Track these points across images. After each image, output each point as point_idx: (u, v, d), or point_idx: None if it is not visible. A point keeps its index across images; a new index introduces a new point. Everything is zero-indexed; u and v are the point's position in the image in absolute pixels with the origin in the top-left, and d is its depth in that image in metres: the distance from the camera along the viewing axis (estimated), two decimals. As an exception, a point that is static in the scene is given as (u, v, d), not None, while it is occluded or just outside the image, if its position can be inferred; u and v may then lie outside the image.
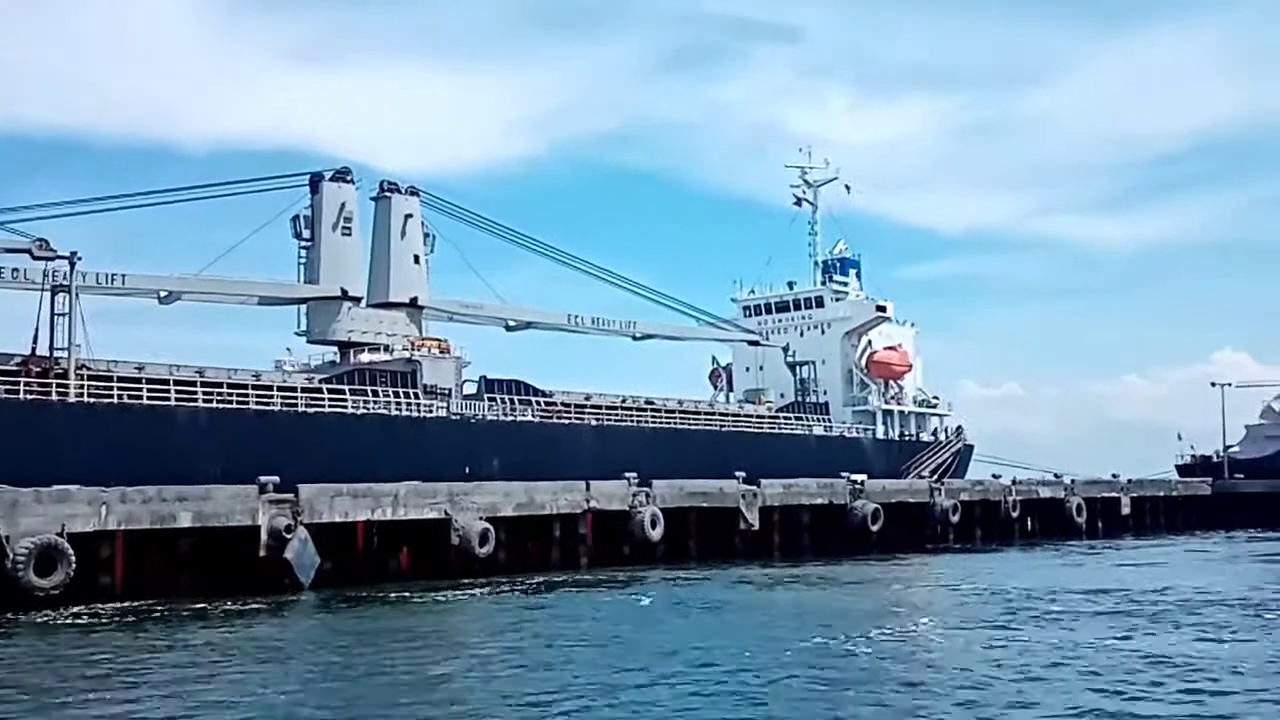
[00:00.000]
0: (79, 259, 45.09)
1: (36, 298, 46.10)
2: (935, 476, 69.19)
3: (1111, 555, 51.39)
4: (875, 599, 33.34)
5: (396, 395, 53.99)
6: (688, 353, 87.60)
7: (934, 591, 34.51)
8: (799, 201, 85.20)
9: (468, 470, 48.32)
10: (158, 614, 30.00)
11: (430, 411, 54.96)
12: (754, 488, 48.68)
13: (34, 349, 44.24)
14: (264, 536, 34.26)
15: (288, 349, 59.38)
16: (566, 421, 60.65)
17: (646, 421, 64.72)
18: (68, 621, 28.68)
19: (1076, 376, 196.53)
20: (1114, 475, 70.57)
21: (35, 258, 44.55)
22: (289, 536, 34.44)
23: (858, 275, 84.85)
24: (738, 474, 49.32)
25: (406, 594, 34.18)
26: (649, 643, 24.38)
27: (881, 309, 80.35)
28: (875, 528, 51.66)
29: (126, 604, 31.22)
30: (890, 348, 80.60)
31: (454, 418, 55.95)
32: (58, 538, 30.06)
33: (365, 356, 57.81)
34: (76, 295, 44.85)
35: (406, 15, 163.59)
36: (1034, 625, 26.60)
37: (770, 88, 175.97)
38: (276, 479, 35.31)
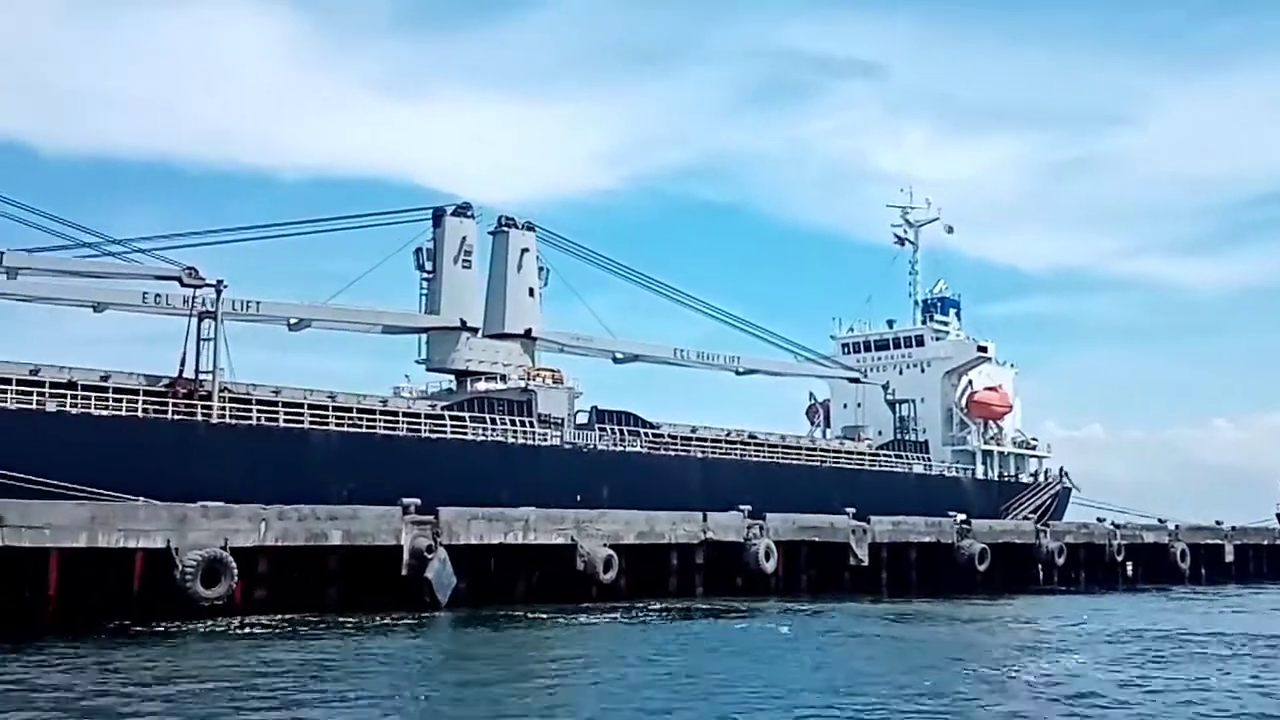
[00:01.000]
0: (225, 286, 47.49)
1: (180, 321, 49.00)
2: (1035, 518, 69.36)
3: (1221, 601, 51.25)
4: (1013, 636, 34.07)
5: (512, 423, 55.71)
6: (784, 388, 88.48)
7: (1065, 631, 35.02)
8: (900, 241, 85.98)
9: (579, 498, 49.83)
10: (308, 626, 31.70)
11: (545, 440, 56.60)
12: (864, 524, 49.44)
13: (181, 371, 46.59)
14: (406, 556, 35.87)
15: (406, 376, 61.58)
16: (673, 453, 61.95)
17: (750, 455, 65.76)
18: (231, 631, 30.45)
19: (1161, 420, 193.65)
20: (1217, 522, 70.04)
21: (184, 285, 46.99)
22: (430, 556, 36.01)
23: (957, 315, 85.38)
24: (847, 510, 50.12)
25: (541, 615, 35.53)
26: (826, 667, 25.46)
27: (983, 349, 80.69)
28: (982, 567, 52.07)
29: (279, 615, 32.97)
30: (991, 388, 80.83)
31: (567, 446, 57.55)
32: (222, 551, 31.88)
33: (482, 385, 59.71)
34: (221, 321, 47.17)
35: (488, 46, 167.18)
36: (1191, 662, 27.35)
37: (851, 123, 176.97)
38: (418, 501, 37.00)
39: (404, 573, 35.98)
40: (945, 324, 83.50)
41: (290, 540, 33.84)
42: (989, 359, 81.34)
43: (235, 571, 31.99)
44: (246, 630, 30.62)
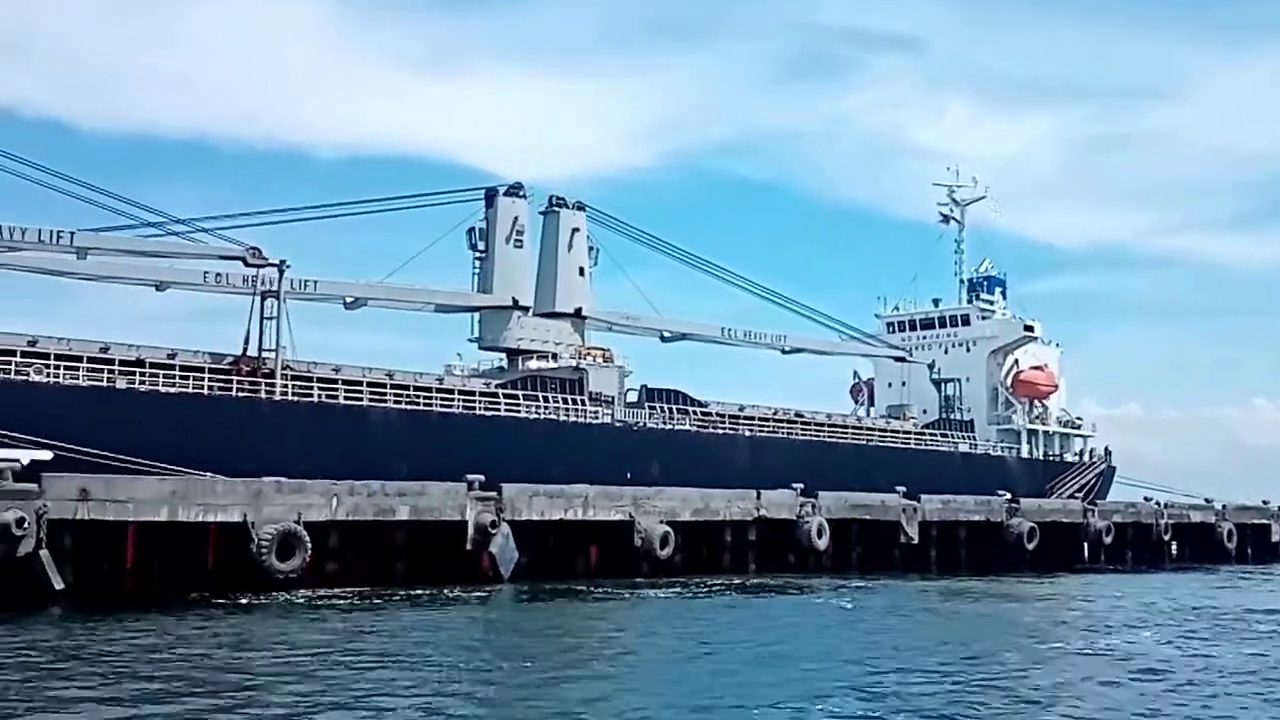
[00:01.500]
0: (288, 266, 48.43)
1: (237, 298, 50.19)
2: (1080, 498, 69.64)
3: (1274, 581, 51.53)
4: (1076, 612, 34.85)
5: (564, 401, 56.49)
6: (828, 367, 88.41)
7: (1126, 607, 35.55)
8: (946, 219, 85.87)
9: (629, 476, 50.43)
10: (380, 599, 32.68)
11: (596, 418, 57.35)
12: (914, 502, 49.99)
13: (245, 349, 47.60)
14: (471, 531, 36.81)
15: (458, 354, 62.36)
16: (721, 431, 62.57)
17: (797, 434, 66.28)
18: (312, 602, 31.46)
19: (1200, 399, 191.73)
20: (1264, 502, 70.09)
21: (248, 265, 47.95)
22: (493, 532, 36.95)
23: (1003, 294, 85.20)
24: (897, 489, 50.66)
25: (604, 591, 36.43)
26: (900, 642, 26.19)
27: (1029, 329, 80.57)
28: (1031, 546, 52.52)
29: (349, 589, 33.97)
30: (1036, 367, 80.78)
31: (618, 425, 58.28)
32: (296, 525, 32.86)
33: (533, 364, 60.42)
34: (284, 300, 48.12)
35: (522, 22, 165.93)
36: (1258, 638, 28.00)
37: (889, 98, 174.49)
38: (482, 477, 37.91)
39: (468, 547, 36.93)
40: (991, 303, 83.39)
41: (360, 515, 34.85)
42: (1035, 338, 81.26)
43: (309, 545, 33.00)
44: (325, 602, 31.65)
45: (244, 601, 31.06)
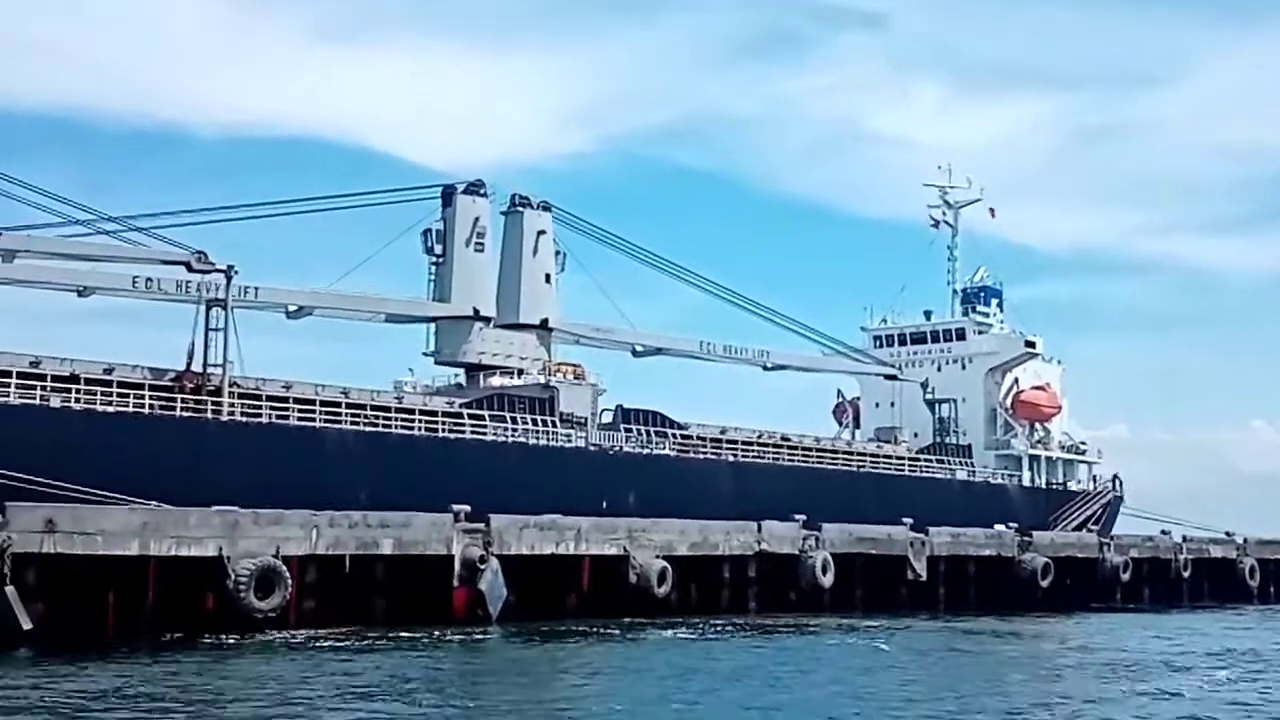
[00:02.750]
0: (236, 272, 49.48)
1: (181, 308, 51.17)
2: (1086, 529, 72.40)
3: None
4: (1116, 653, 36.69)
5: (533, 423, 57.97)
6: (807, 384, 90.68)
7: (1168, 649, 37.72)
8: (936, 223, 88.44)
9: (605, 504, 52.20)
10: (366, 640, 33.96)
11: (569, 441, 58.92)
12: (922, 535, 52.04)
13: (189, 364, 48.60)
14: (458, 566, 38.19)
15: (409, 369, 63.54)
16: (703, 456, 64.41)
17: (784, 459, 68.30)
18: (285, 644, 32.67)
19: (1192, 420, 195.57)
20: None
21: (193, 270, 48.97)
22: (482, 567, 38.34)
23: (1000, 305, 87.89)
24: (904, 520, 52.74)
25: (608, 632, 37.95)
26: (962, 684, 28.16)
27: (1030, 344, 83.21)
28: (1045, 583, 54.80)
29: (330, 629, 35.16)
30: (1038, 387, 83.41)
31: (592, 448, 59.91)
32: (275, 559, 34.07)
33: (497, 380, 61.79)
34: (231, 310, 49.17)
35: None
36: None
37: (848, 81, 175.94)
38: (468, 508, 39.31)
39: (455, 584, 38.29)
40: (987, 315, 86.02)
41: (341, 548, 36.13)
42: (1037, 354, 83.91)
43: (289, 582, 34.20)
44: (309, 644, 32.87)
45: (214, 641, 32.21)
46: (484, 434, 56.16)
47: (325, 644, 33.10)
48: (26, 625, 30.06)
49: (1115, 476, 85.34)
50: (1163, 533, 66.87)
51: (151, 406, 46.85)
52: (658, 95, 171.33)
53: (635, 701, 25.49)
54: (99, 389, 45.91)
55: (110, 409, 45.72)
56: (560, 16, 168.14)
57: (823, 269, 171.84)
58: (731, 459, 65.55)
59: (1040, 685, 28.36)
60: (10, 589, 30.09)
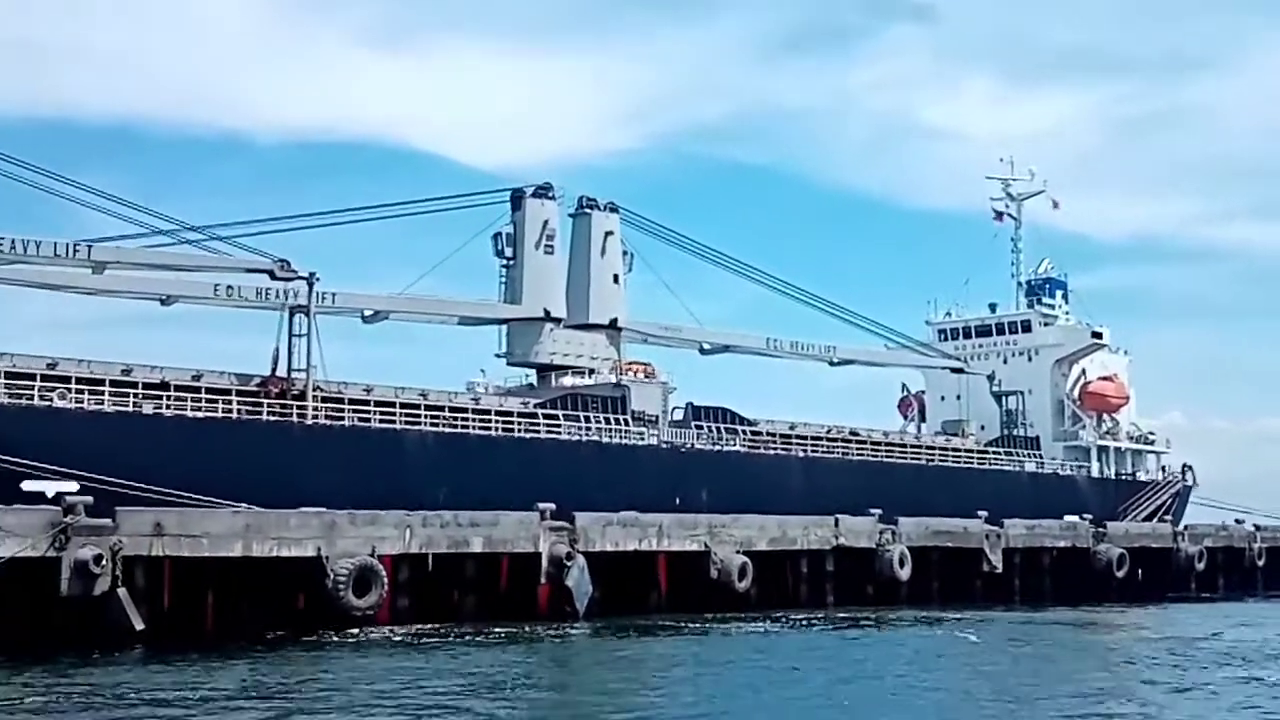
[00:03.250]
0: (318, 279, 50.65)
1: (257, 314, 52.60)
2: (1157, 519, 72.39)
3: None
4: (1216, 641, 37.19)
5: (606, 421, 58.80)
6: (871, 378, 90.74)
7: (1265, 638, 38.04)
8: (999, 215, 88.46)
9: (677, 501, 53.02)
10: (463, 637, 34.92)
11: (641, 439, 59.70)
12: (997, 528, 52.42)
13: (273, 370, 49.80)
14: (545, 564, 39.05)
15: (481, 370, 64.61)
16: (773, 452, 64.99)
17: (852, 454, 68.76)
18: (386, 641, 33.69)
19: (1252, 409, 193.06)
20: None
21: (276, 278, 50.16)
22: (569, 564, 39.18)
23: (1065, 297, 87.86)
24: (980, 513, 53.16)
25: (697, 626, 38.75)
26: (1074, 673, 28.87)
27: (1097, 335, 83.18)
28: (1120, 573, 55.02)
29: (424, 625, 36.19)
30: (1105, 378, 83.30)
31: (664, 446, 60.65)
32: (371, 559, 35.07)
33: (568, 380, 62.69)
34: (314, 316, 50.34)
35: None
36: None
37: (898, 73, 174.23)
38: (553, 506, 40.21)
39: (542, 580, 39.18)
40: (1053, 307, 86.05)
41: (434, 547, 37.09)
42: (1104, 345, 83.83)
43: (385, 580, 35.21)
44: (407, 640, 33.90)
45: (318, 639, 33.28)
46: (559, 433, 57.03)
47: (423, 641, 34.11)
48: (139, 626, 31.20)
49: (1185, 466, 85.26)
50: (1236, 521, 66.79)
51: (238, 412, 48.05)
52: (708, 91, 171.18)
53: (760, 695, 26.12)
54: (188, 395, 47.12)
55: (200, 415, 46.94)
56: (608, 15, 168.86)
57: (879, 262, 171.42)
58: (801, 454, 66.09)
59: (1159, 673, 28.89)
60: (122, 590, 31.22)
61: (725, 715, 24.00)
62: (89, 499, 32.28)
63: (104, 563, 30.91)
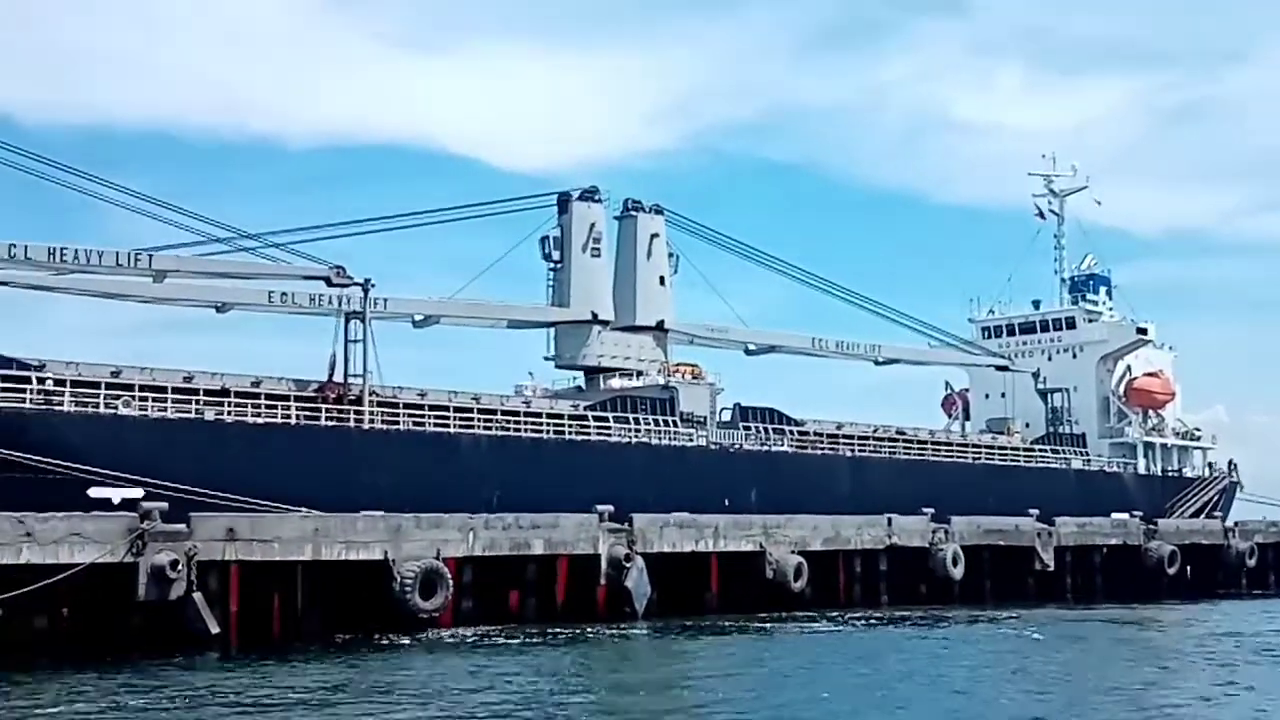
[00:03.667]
0: (372, 285, 51.44)
1: (308, 319, 53.50)
2: (1205, 515, 72.35)
3: None
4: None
5: (655, 423, 59.34)
6: (914, 376, 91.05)
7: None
8: (1042, 213, 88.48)
9: (727, 502, 53.49)
10: (529, 637, 35.52)
11: (689, 440, 60.22)
12: (1049, 526, 52.67)
13: (330, 375, 50.59)
14: (604, 565, 39.64)
15: (529, 373, 65.19)
16: (820, 452, 65.37)
17: (899, 453, 69.06)
18: (457, 642, 34.36)
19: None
20: None
21: (332, 284, 50.93)
22: (627, 565, 39.76)
23: (1109, 293, 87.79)
24: (1030, 511, 53.45)
25: (759, 627, 39.25)
26: (1150, 672, 29.55)
27: (1143, 331, 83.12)
28: (1171, 570, 55.15)
29: (488, 626, 36.83)
30: (1151, 374, 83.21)
31: (713, 447, 61.15)
32: (437, 561, 35.74)
33: (616, 382, 63.24)
34: (369, 322, 51.10)
35: None
36: None
37: (930, 67, 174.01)
38: (611, 508, 40.83)
39: (601, 581, 39.77)
40: (1096, 303, 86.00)
41: (496, 550, 37.75)
42: (1149, 341, 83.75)
43: (450, 582, 35.88)
44: (477, 641, 34.57)
45: (388, 642, 33.96)
46: (609, 435, 57.62)
47: (492, 642, 34.71)
48: (214, 629, 31.97)
49: (1231, 462, 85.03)
50: (1288, 518, 66.76)
51: (297, 417, 48.86)
52: (740, 89, 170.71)
53: (852, 692, 26.61)
54: (248, 401, 47.95)
55: (260, 420, 47.75)
56: (638, 14, 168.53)
57: (914, 259, 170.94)
58: (849, 454, 66.44)
59: (1226, 672, 29.25)
60: (198, 595, 32.01)
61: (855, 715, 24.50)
62: (164, 505, 33.09)
63: (179, 567, 31.70)
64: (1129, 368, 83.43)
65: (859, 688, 27.22)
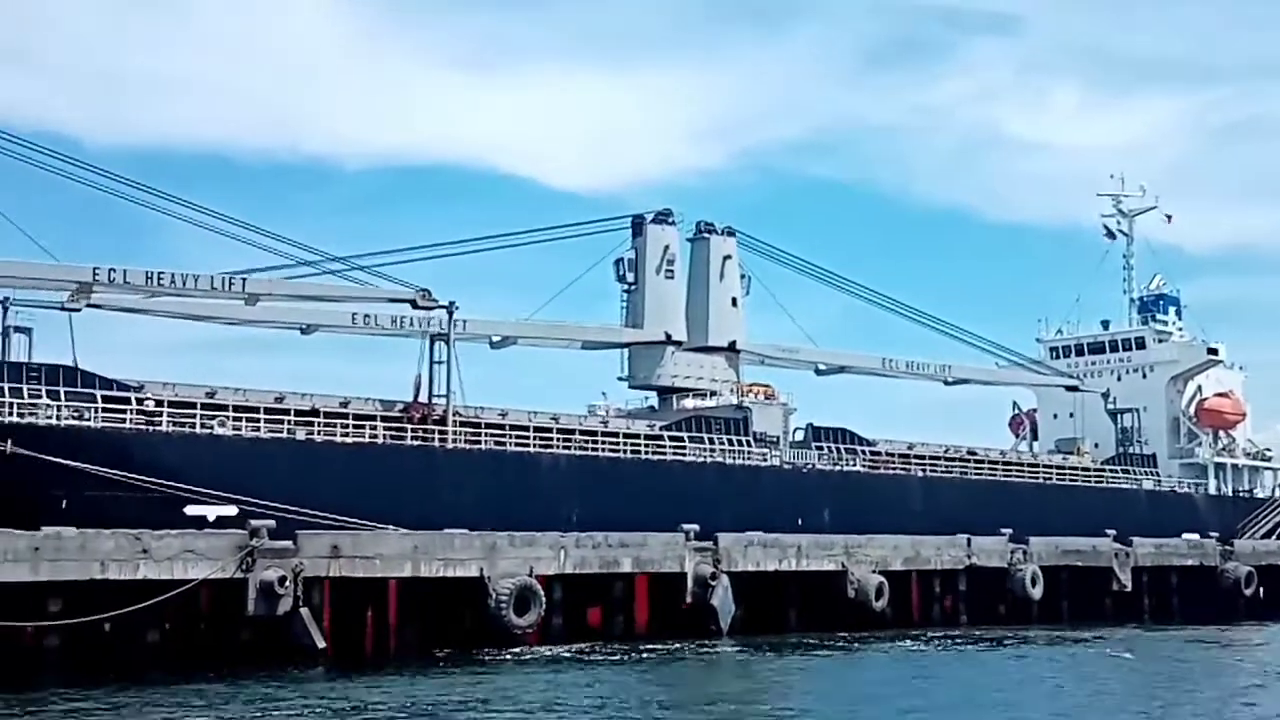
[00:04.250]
0: (457, 308, 52.51)
1: (390, 340, 54.74)
2: (1277, 536, 72.07)
3: None
4: None
5: (729, 443, 60.03)
6: (980, 396, 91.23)
7: None
8: (1111, 233, 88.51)
9: (800, 521, 53.97)
10: (620, 654, 36.31)
11: (763, 460, 60.85)
12: (1126, 547, 52.86)
13: (415, 396, 51.71)
14: (690, 583, 40.40)
15: (603, 393, 66.12)
16: (892, 472, 65.79)
17: (970, 473, 69.31)
18: (553, 659, 35.19)
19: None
20: None
21: (417, 307, 52.05)
22: (713, 584, 40.48)
23: (1178, 313, 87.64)
24: (1108, 532, 53.65)
25: (844, 646, 39.86)
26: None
27: (1214, 352, 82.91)
28: (1248, 591, 55.14)
29: (580, 644, 37.65)
30: (1221, 394, 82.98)
31: (786, 467, 61.73)
32: (530, 579, 36.62)
33: (690, 402, 64.09)
34: (453, 344, 52.18)
35: (570, 17, 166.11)
36: None
37: (983, 86, 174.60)
38: (697, 527, 41.56)
39: (687, 599, 40.51)
40: (1166, 324, 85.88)
41: (586, 568, 38.59)
42: (1220, 361, 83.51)
43: (543, 599, 36.74)
44: (574, 658, 35.37)
45: (488, 658, 34.85)
46: (684, 455, 58.35)
47: (585, 659, 35.56)
48: (321, 644, 32.99)
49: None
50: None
51: (384, 437, 49.95)
52: (791, 108, 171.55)
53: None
54: (337, 421, 49.09)
55: (349, 440, 48.88)
56: (688, 34, 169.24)
57: (971, 278, 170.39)
58: (920, 474, 66.79)
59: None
60: (305, 610, 33.05)
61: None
62: (272, 523, 34.15)
63: (287, 584, 32.74)
64: (1199, 388, 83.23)
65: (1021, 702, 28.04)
